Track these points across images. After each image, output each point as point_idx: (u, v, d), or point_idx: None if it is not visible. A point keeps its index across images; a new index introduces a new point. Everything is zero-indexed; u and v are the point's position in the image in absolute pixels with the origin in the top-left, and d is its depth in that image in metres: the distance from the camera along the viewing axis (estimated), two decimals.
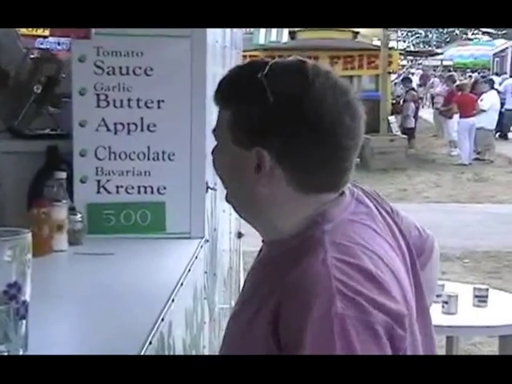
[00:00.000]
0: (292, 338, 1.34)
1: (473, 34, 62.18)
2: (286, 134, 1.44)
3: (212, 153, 1.59)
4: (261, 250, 1.65)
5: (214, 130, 1.56)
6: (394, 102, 18.74)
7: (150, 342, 1.98)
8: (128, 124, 3.04)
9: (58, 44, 5.55)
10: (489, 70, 32.55)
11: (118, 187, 3.06)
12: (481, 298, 3.99)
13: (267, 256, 1.58)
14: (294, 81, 1.45)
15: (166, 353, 2.21)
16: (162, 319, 2.14)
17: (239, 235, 4.68)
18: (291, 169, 1.46)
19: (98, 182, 3.05)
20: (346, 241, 1.44)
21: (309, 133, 1.43)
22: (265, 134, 1.45)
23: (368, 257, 1.43)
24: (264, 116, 1.43)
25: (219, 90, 1.53)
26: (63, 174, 2.89)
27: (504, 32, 55.36)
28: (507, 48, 33.07)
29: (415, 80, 30.02)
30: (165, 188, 3.08)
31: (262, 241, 1.64)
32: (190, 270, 2.69)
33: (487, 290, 3.89)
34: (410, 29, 65.49)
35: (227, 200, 1.62)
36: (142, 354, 1.89)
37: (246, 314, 1.49)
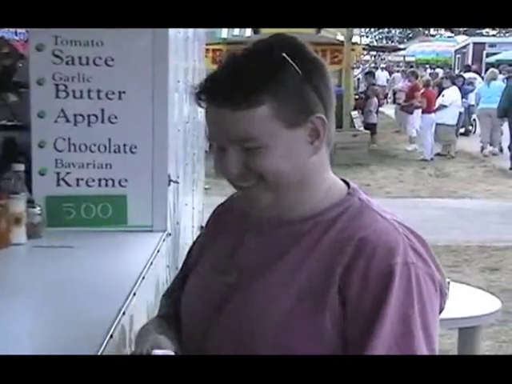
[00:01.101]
0: (376, 288, 1.40)
1: (435, 29, 62.82)
2: (323, 95, 1.48)
3: (236, 167, 1.47)
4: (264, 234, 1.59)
5: (242, 141, 1.44)
6: (357, 97, 18.86)
7: (111, 336, 1.97)
8: (88, 115, 3.02)
9: (15, 34, 5.49)
10: (451, 67, 32.87)
11: (78, 180, 3.05)
12: None
13: (295, 232, 1.53)
14: (302, 49, 1.49)
15: (127, 346, 2.20)
16: (124, 313, 2.13)
17: (202, 229, 4.68)
18: (330, 127, 1.50)
19: (58, 174, 3.03)
20: (382, 208, 1.55)
21: (328, 90, 1.50)
22: (313, 102, 1.46)
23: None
24: (303, 88, 1.44)
25: (237, 93, 1.41)
26: (21, 166, 2.86)
27: (465, 30, 55.99)
28: (468, 44, 33.48)
29: (385, 75, 30.18)
30: (126, 181, 3.07)
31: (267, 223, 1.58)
32: (151, 263, 2.68)
33: (448, 283, 3.91)
34: None
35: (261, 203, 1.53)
36: (103, 347, 1.88)
37: (286, 289, 1.46)
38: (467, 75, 20.71)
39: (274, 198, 1.49)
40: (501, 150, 16.15)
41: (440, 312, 1.51)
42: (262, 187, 1.48)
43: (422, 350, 1.40)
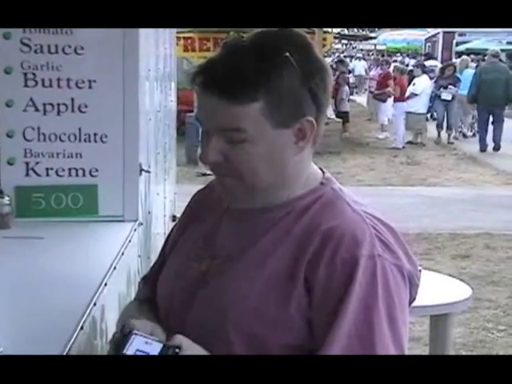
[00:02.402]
0: (340, 278, 1.41)
1: None
2: (319, 99, 1.48)
3: (215, 154, 1.48)
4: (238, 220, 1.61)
5: (230, 131, 1.45)
6: None
7: (82, 327, 1.97)
8: (58, 104, 3.00)
9: None
10: (421, 54, 33.01)
11: (47, 169, 3.04)
12: None
13: (269, 219, 1.54)
14: (307, 49, 1.49)
15: (98, 338, 2.20)
16: (94, 304, 2.13)
17: (174, 218, 4.67)
18: (319, 129, 1.50)
19: (27, 164, 3.02)
20: (354, 198, 1.56)
21: (326, 95, 1.50)
22: (307, 105, 1.46)
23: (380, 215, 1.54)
24: (300, 90, 1.44)
25: (235, 85, 1.41)
26: None
27: None
28: (438, 33, 33.63)
29: (362, 65, 30.21)
30: (97, 170, 3.06)
31: (244, 210, 1.59)
32: (123, 253, 2.69)
33: (420, 271, 3.94)
34: None
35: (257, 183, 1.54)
36: (73, 339, 1.88)
37: (257, 275, 1.47)
38: (428, 63, 20.86)
39: (248, 190, 1.50)
40: (464, 136, 16.44)
41: (411, 302, 1.52)
42: (235, 181, 1.49)
43: (385, 340, 1.41)
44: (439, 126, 16.39)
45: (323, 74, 1.49)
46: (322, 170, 1.62)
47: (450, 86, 16.07)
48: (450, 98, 15.96)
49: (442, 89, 16.18)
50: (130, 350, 1.41)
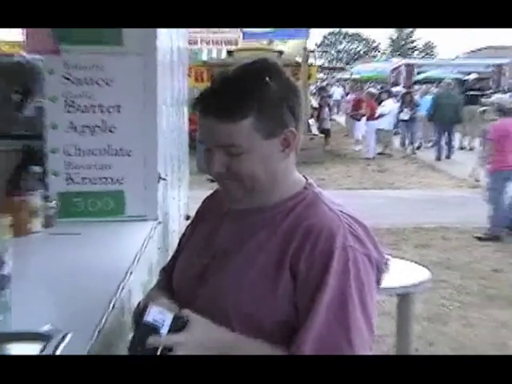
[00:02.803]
0: (318, 266, 1.41)
1: (374, 53, 63.05)
2: (295, 112, 1.50)
3: (218, 167, 1.49)
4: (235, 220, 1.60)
5: (227, 147, 1.46)
6: (313, 108, 18.91)
7: (113, 307, 1.97)
8: (92, 126, 3.01)
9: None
10: (388, 82, 33.01)
11: (84, 179, 3.03)
12: None
13: (264, 218, 1.54)
14: (280, 73, 1.51)
15: (125, 315, 2.19)
16: (122, 288, 2.13)
17: (187, 217, 4.67)
18: (299, 137, 1.53)
19: (68, 174, 3.02)
20: (331, 199, 1.56)
21: (299, 107, 1.51)
22: (288, 118, 1.49)
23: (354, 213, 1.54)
24: (280, 106, 1.47)
25: (226, 108, 1.43)
26: (38, 169, 2.87)
27: (398, 53, 56.33)
28: (401, 65, 33.71)
29: (340, 91, 30.21)
30: (123, 179, 3.06)
31: (238, 210, 1.59)
32: (145, 247, 2.68)
33: (389, 259, 3.94)
34: (326, 49, 66.27)
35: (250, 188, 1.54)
36: (106, 316, 1.87)
37: (257, 273, 1.47)
38: (394, 89, 21.12)
39: (247, 193, 1.51)
40: (418, 148, 16.75)
41: (378, 284, 1.51)
42: (237, 184, 1.50)
43: (357, 316, 1.40)
44: (403, 140, 16.52)
45: (296, 92, 1.52)
46: (305, 177, 1.62)
47: (405, 109, 16.32)
48: (406, 118, 16.37)
49: (402, 111, 16.44)
50: (148, 318, 1.41)
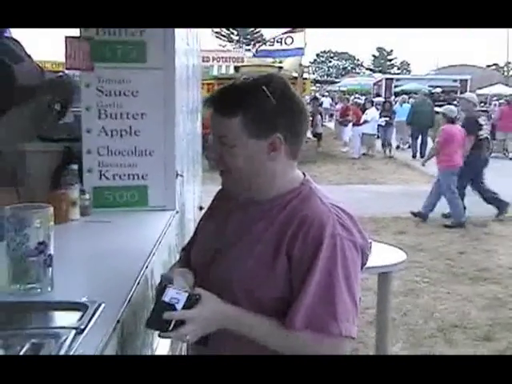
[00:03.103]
0: (308, 253, 1.41)
1: (359, 69, 62.79)
2: (288, 122, 1.47)
3: (215, 153, 1.51)
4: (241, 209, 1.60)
5: (222, 137, 1.48)
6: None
7: (138, 283, 1.98)
8: (121, 130, 3.00)
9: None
10: (370, 93, 32.93)
11: (114, 175, 3.03)
12: None
13: (262, 210, 1.53)
14: (284, 88, 1.49)
15: (149, 290, 2.20)
16: (146, 267, 2.14)
17: (200, 208, 4.67)
18: (289, 146, 1.50)
19: (100, 171, 3.02)
20: (326, 195, 1.54)
21: (296, 120, 1.49)
22: (276, 124, 1.46)
23: (343, 205, 1.53)
24: (273, 113, 1.44)
25: (224, 105, 1.47)
26: (75, 166, 2.87)
27: (380, 69, 56.12)
28: (382, 79, 33.72)
29: (329, 101, 30.10)
30: (147, 175, 3.05)
31: (243, 202, 1.59)
32: (165, 233, 2.69)
33: (370, 243, 3.95)
34: (318, 65, 65.99)
35: (225, 186, 1.58)
36: (133, 290, 1.87)
37: (258, 258, 1.47)
38: (376, 99, 21.27)
39: (238, 184, 1.53)
40: (397, 147, 16.96)
41: (362, 266, 1.52)
42: (228, 176, 1.52)
43: (342, 292, 1.41)
44: (383, 143, 16.53)
45: (296, 106, 1.49)
46: (304, 173, 1.62)
47: (383, 117, 16.41)
48: (384, 123, 16.36)
49: (381, 118, 16.49)
50: (165, 298, 1.42)
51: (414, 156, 15.10)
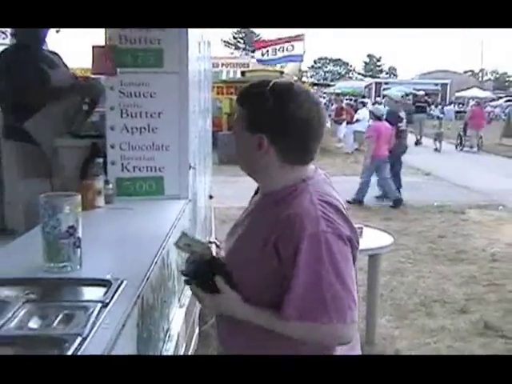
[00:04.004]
0: (291, 251, 1.32)
1: (352, 73, 62.51)
2: (277, 127, 1.38)
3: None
4: (254, 200, 1.56)
5: (235, 121, 1.46)
6: None
7: (156, 262, 1.99)
8: (140, 127, 3.00)
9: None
10: (362, 95, 32.85)
11: (134, 167, 3.03)
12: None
13: (262, 204, 1.48)
14: (285, 94, 1.39)
15: (165, 269, 2.21)
16: (163, 248, 2.15)
17: (210, 197, 4.67)
18: (279, 149, 1.40)
19: (122, 164, 3.02)
20: (321, 190, 1.42)
21: (291, 127, 1.38)
22: (264, 125, 1.38)
23: (335, 199, 1.42)
24: (265, 114, 1.37)
25: (239, 96, 1.46)
26: (101, 160, 2.87)
27: (370, 74, 55.89)
28: (372, 83, 33.66)
29: (323, 101, 30.07)
30: (163, 167, 3.05)
31: (256, 192, 1.57)
32: (179, 218, 2.69)
33: (361, 228, 3.95)
34: (315, 70, 65.73)
35: (242, 168, 1.50)
36: (151, 268, 1.88)
37: (250, 246, 1.41)
38: (366, 100, 21.40)
39: (248, 173, 1.48)
40: None
41: (354, 256, 1.41)
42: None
43: (333, 284, 1.32)
44: None
45: (292, 112, 1.37)
46: (317, 169, 1.51)
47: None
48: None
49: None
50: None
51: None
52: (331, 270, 1.32)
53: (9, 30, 4.57)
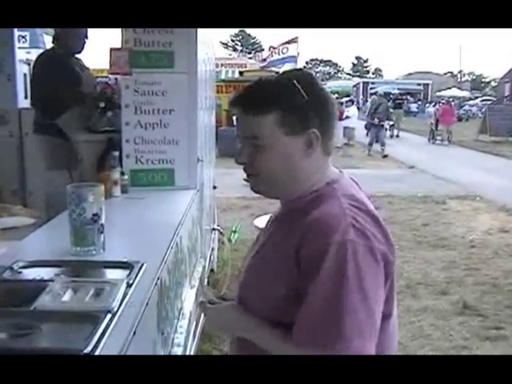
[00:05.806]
0: (315, 258, 1.06)
1: (341, 73, 62.36)
2: (321, 117, 1.15)
3: (245, 157, 1.16)
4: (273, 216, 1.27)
5: (254, 138, 1.14)
6: None
7: (171, 246, 2.01)
8: (153, 123, 3.01)
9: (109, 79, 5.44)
10: (350, 94, 32.85)
11: (147, 160, 3.05)
12: None
13: (287, 211, 1.20)
14: (310, 81, 1.17)
15: (179, 254, 2.23)
16: (176, 234, 2.17)
17: (214, 187, 4.70)
18: (325, 140, 1.17)
19: (136, 157, 3.03)
20: (351, 193, 1.18)
21: (328, 114, 1.17)
22: (311, 118, 1.14)
23: (368, 205, 1.17)
24: (308, 107, 1.13)
25: (255, 104, 1.14)
26: (116, 153, 2.89)
27: (358, 74, 55.78)
28: (359, 82, 33.62)
29: None
30: (174, 160, 3.07)
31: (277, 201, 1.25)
32: (189, 207, 2.72)
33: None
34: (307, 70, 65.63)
35: (255, 189, 1.20)
36: (167, 253, 1.88)
37: (273, 257, 1.15)
38: (344, 99, 21.39)
39: (266, 187, 1.19)
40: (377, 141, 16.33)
41: (388, 275, 1.10)
42: (257, 179, 1.17)
43: (355, 305, 1.03)
44: (372, 142, 16.13)
45: (325, 100, 1.17)
46: (340, 171, 1.26)
47: (376, 118, 16.11)
48: (376, 123, 15.86)
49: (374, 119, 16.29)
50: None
51: (370, 144, 14.80)
52: (355, 288, 1.03)
53: (28, 35, 4.56)
